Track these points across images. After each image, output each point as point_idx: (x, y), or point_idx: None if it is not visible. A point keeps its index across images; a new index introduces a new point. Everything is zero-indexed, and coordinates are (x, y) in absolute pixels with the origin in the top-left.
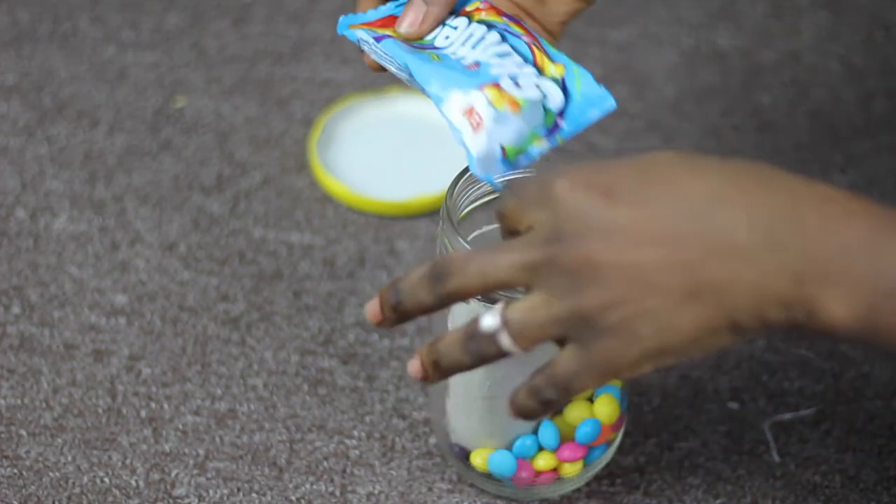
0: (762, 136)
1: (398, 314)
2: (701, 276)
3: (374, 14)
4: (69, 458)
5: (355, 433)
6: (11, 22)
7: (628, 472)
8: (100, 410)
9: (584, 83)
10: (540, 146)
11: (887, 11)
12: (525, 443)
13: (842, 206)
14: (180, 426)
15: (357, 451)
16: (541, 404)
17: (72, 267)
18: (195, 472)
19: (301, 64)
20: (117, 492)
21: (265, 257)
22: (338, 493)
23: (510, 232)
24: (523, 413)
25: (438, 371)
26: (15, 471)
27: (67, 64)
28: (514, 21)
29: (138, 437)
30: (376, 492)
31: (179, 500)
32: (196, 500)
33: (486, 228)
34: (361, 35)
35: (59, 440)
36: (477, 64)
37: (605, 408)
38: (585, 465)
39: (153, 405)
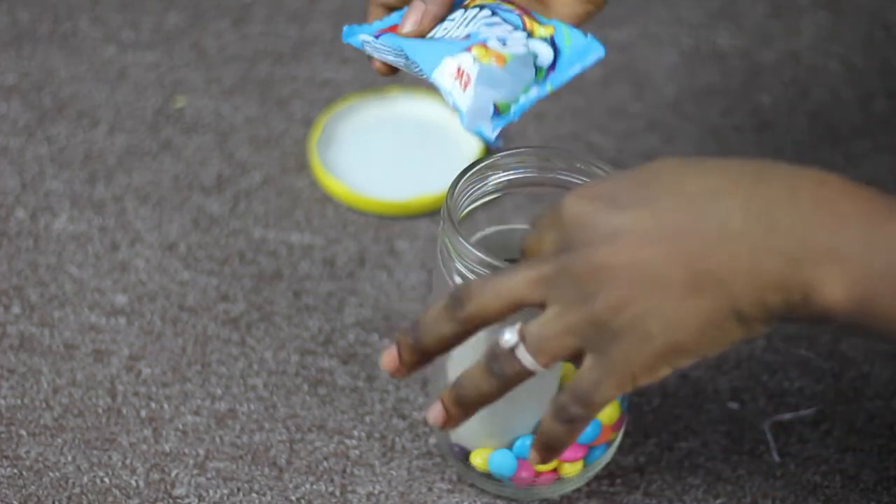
0: (762, 136)
1: (418, 354)
2: (701, 267)
3: (378, 24)
4: (69, 458)
5: (355, 433)
6: (11, 22)
7: (628, 472)
8: (100, 410)
9: (573, 38)
10: (531, 95)
11: (887, 11)
12: (525, 443)
13: (836, 189)
14: (180, 426)
15: (357, 451)
16: (567, 425)
17: (72, 267)
18: (195, 472)
19: (301, 64)
20: (117, 492)
21: (265, 257)
22: (338, 493)
23: None
24: (551, 443)
25: (462, 407)
26: (15, 471)
27: (67, 64)
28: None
29: (138, 437)
30: (376, 492)
31: (179, 500)
32: (196, 500)
33: (488, 230)
34: (363, 37)
35: (59, 440)
36: (468, 36)
37: (606, 408)
38: (585, 465)
39: (153, 405)
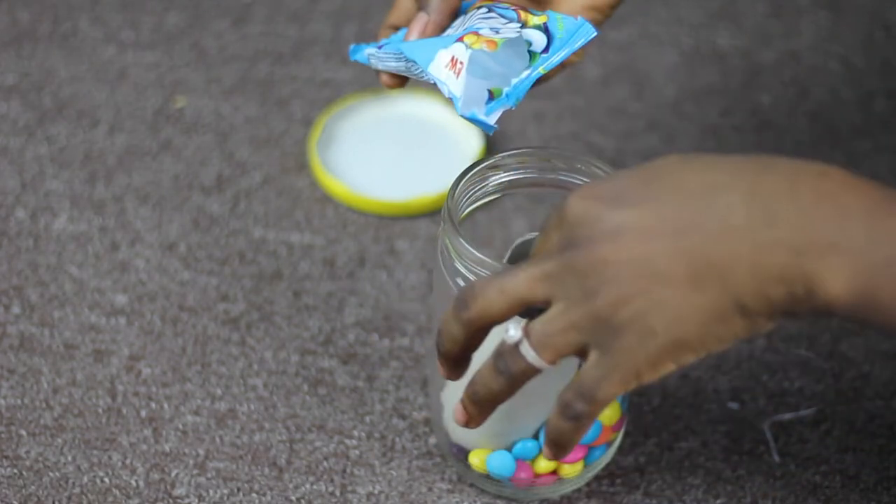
0: (762, 136)
1: (441, 359)
2: (703, 261)
3: (384, 41)
4: (69, 458)
5: (355, 433)
6: (11, 22)
7: (628, 472)
8: (100, 410)
9: (565, 23)
10: (523, 77)
11: (887, 11)
12: (525, 445)
13: (837, 182)
14: (180, 426)
15: (357, 451)
16: (572, 421)
17: (72, 267)
18: (195, 472)
19: (301, 64)
20: (117, 492)
21: (265, 257)
22: (338, 493)
23: None
24: (559, 440)
25: (476, 406)
26: (15, 471)
27: (67, 64)
28: None
29: (138, 437)
30: (376, 492)
31: (179, 500)
32: (196, 500)
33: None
34: (369, 51)
35: (59, 440)
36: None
37: (606, 408)
38: (585, 466)
39: (153, 405)
